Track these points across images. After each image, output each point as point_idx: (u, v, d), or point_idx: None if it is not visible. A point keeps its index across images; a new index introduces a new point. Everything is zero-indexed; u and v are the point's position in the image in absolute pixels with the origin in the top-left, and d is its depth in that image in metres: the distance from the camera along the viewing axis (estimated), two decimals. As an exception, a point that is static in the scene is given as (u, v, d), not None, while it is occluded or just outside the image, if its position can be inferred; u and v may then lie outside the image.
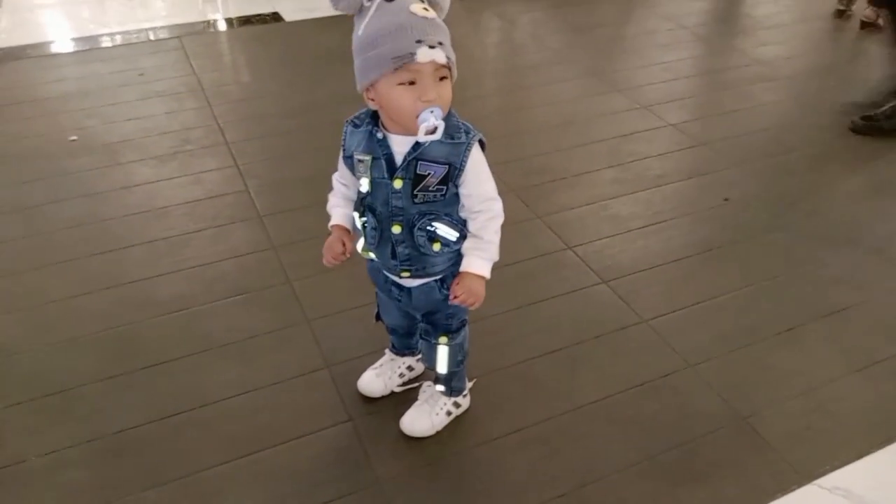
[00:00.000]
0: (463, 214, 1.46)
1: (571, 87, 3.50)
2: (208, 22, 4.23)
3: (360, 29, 1.30)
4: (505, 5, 4.49)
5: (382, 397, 1.84)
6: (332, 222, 1.55)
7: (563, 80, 3.56)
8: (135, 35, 4.03)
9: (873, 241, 2.45)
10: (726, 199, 2.67)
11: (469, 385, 1.82)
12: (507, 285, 2.13)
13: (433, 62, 1.27)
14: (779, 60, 3.92)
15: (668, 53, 3.85)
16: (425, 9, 1.28)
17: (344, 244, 1.51)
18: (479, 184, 1.42)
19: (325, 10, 4.42)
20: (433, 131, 1.29)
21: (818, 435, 1.79)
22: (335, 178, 1.55)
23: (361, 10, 1.30)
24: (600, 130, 3.11)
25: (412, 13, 1.26)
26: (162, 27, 4.14)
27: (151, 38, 4.01)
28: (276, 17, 4.28)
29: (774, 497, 1.64)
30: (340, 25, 3.82)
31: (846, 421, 1.84)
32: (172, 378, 1.91)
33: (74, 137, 3.00)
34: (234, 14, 4.32)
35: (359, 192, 1.47)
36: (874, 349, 2.04)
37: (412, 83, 1.28)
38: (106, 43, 3.94)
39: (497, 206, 1.46)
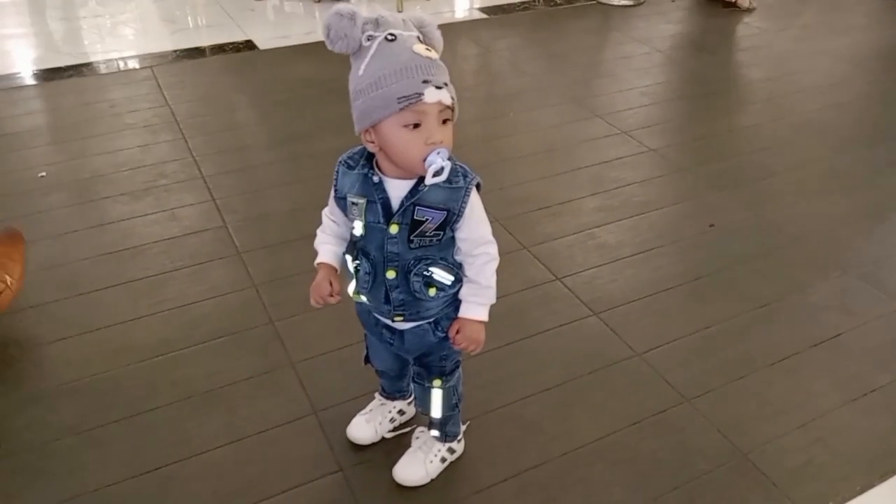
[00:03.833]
0: (458, 258, 1.42)
1: (551, 113, 3.48)
2: (180, 51, 4.15)
3: (361, 69, 1.24)
4: (480, 31, 4.49)
5: (373, 444, 1.77)
6: (319, 260, 1.49)
7: (543, 106, 3.55)
8: (105, 65, 3.95)
9: (861, 266, 2.44)
10: (711, 225, 2.66)
11: (463, 428, 1.77)
12: (497, 320, 2.04)
13: (440, 103, 1.23)
14: (755, 83, 3.96)
15: (645, 77, 3.86)
16: (427, 49, 1.24)
17: (332, 284, 1.46)
18: (475, 227, 1.38)
19: (300, 37, 4.42)
20: (440, 172, 1.25)
21: (819, 470, 1.76)
22: (325, 213, 1.49)
23: (360, 49, 1.24)
24: (582, 157, 3.10)
25: (416, 53, 1.22)
26: (132, 56, 4.06)
27: (122, 67, 3.93)
28: (249, 45, 4.22)
29: (780, 537, 1.61)
30: (316, 54, 3.80)
31: (846, 454, 1.81)
32: (154, 429, 1.83)
33: (43, 174, 2.91)
34: (206, 42, 4.26)
35: (352, 235, 1.42)
36: (868, 378, 2.03)
37: (416, 125, 1.23)
38: (75, 74, 3.84)
39: (493, 249, 1.42)
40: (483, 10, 4.78)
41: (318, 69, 3.76)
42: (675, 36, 4.52)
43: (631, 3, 4.82)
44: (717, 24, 4.66)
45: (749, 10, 4.73)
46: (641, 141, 3.21)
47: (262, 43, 4.22)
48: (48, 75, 3.83)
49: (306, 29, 4.39)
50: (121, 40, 4.32)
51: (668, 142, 3.22)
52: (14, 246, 2.14)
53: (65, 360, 2.04)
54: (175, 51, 4.15)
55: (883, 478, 1.75)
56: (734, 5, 4.74)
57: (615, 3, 4.81)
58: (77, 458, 1.76)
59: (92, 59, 4.02)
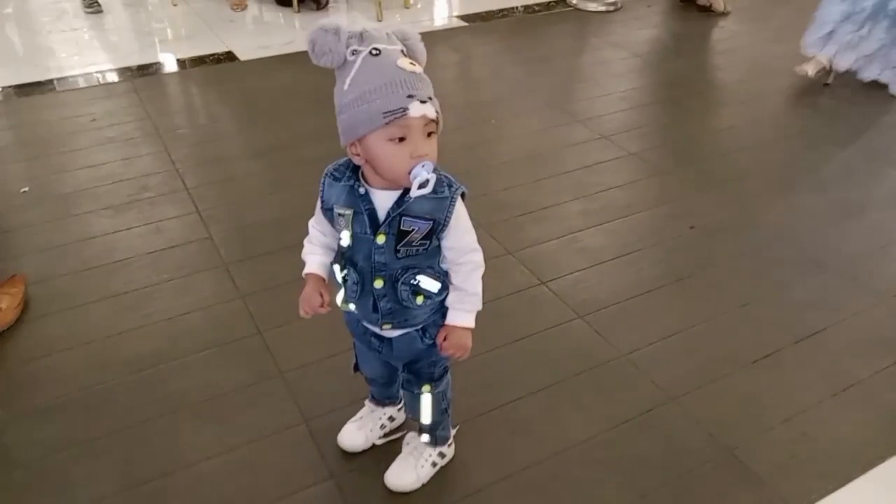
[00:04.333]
0: (444, 266, 1.44)
1: (532, 119, 3.51)
2: (160, 63, 4.15)
3: (346, 84, 1.25)
4: (460, 38, 4.52)
5: (364, 451, 1.79)
6: (307, 270, 1.50)
7: (524, 112, 3.58)
8: (84, 79, 3.93)
9: (840, 264, 2.49)
10: (692, 227, 2.69)
11: (453, 432, 1.78)
12: (485, 325, 2.06)
13: (424, 117, 1.24)
14: (731, 85, 4.01)
15: (623, 82, 3.91)
16: (412, 63, 1.26)
17: (322, 295, 1.47)
18: (461, 236, 1.40)
19: (280, 48, 4.42)
20: (425, 185, 1.27)
21: (804, 464, 1.80)
22: (311, 223, 1.51)
23: (345, 63, 1.25)
24: (564, 162, 3.13)
25: (400, 68, 1.23)
26: (112, 69, 4.04)
27: (102, 81, 3.91)
28: (229, 56, 4.22)
29: (768, 531, 1.64)
30: (297, 63, 3.81)
31: (830, 447, 1.85)
32: (146, 442, 1.83)
33: (25, 189, 2.90)
34: (186, 55, 4.25)
35: (339, 246, 1.43)
36: (850, 372, 2.07)
37: (402, 139, 1.25)
38: (54, 88, 3.82)
39: (478, 256, 1.45)
40: (462, 17, 4.82)
41: (300, 78, 3.77)
42: (652, 40, 4.58)
43: (608, 8, 4.87)
44: (692, 27, 4.73)
45: (724, 14, 4.80)
46: (621, 145, 3.25)
47: (243, 53, 4.22)
48: (27, 90, 3.80)
49: (286, 38, 4.40)
50: (100, 53, 4.30)
51: (647, 145, 3.26)
52: (14, 286, 2.27)
53: (53, 375, 2.03)
54: (155, 63, 4.14)
55: (866, 469, 1.79)
56: (709, 9, 4.81)
57: (592, 9, 4.86)
58: (68, 473, 1.75)
59: (71, 72, 4.00)
